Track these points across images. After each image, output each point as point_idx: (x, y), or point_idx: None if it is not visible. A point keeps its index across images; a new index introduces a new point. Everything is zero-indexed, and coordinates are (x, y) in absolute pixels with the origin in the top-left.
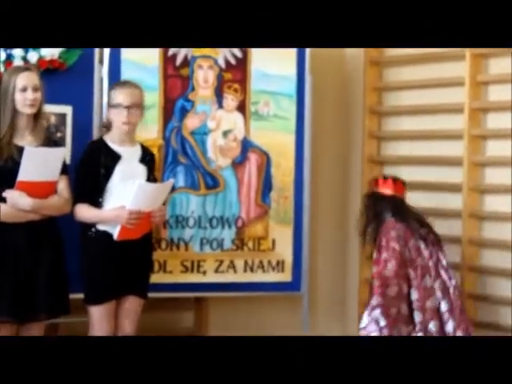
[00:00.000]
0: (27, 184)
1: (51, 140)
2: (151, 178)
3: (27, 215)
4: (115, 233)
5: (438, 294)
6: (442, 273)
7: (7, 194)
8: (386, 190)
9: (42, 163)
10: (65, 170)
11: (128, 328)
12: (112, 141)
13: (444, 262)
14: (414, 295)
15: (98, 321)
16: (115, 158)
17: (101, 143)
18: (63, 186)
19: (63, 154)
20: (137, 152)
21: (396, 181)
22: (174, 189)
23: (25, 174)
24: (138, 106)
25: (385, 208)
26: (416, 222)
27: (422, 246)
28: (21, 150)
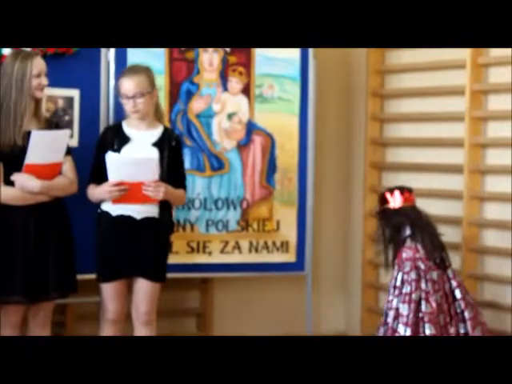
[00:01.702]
0: (35, 167)
1: (52, 122)
2: (164, 162)
3: (35, 197)
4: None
5: (452, 330)
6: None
7: (15, 177)
8: (396, 202)
9: (48, 146)
10: (69, 151)
11: (141, 309)
12: (128, 124)
13: (457, 293)
14: (428, 330)
15: (106, 298)
16: (124, 140)
17: (115, 127)
18: (68, 166)
19: (68, 135)
20: (153, 136)
21: (403, 191)
22: None
23: (32, 157)
24: (142, 94)
25: (402, 223)
26: (430, 242)
27: (435, 275)
28: (25, 133)
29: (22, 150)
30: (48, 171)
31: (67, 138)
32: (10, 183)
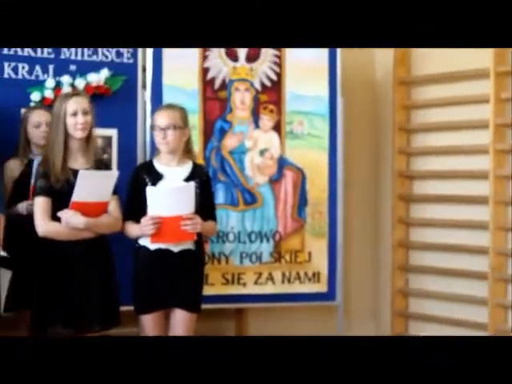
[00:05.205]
0: (81, 204)
1: (102, 161)
2: (197, 195)
3: (81, 233)
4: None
5: None
6: None
7: (62, 213)
8: None
9: (95, 185)
10: (115, 190)
11: None
12: (159, 161)
13: None
14: None
15: (145, 329)
16: (157, 177)
17: (147, 164)
18: (114, 205)
19: (116, 176)
20: (184, 171)
21: None
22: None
23: (79, 194)
24: (174, 127)
25: None
26: None
27: None
28: (75, 172)
29: (71, 188)
30: (94, 209)
31: (115, 178)
32: (57, 219)
